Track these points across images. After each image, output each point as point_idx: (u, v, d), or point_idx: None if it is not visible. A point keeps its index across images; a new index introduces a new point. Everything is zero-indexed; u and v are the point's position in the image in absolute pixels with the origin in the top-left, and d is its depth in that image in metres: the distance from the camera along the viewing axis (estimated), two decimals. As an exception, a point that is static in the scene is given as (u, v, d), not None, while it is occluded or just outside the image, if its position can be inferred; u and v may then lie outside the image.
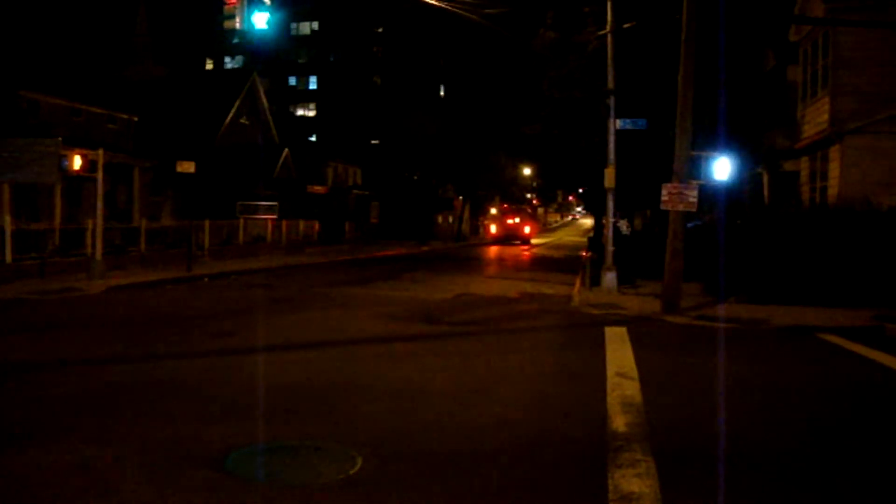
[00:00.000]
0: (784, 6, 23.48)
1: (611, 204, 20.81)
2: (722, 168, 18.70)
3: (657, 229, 26.60)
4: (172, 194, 37.80)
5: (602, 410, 7.47)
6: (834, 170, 19.92)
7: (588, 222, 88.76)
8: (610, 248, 20.38)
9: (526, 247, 54.55)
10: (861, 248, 16.32)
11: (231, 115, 46.97)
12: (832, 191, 19.80)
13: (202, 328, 12.73)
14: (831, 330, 13.35)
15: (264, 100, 51.69)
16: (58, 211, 24.52)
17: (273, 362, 9.74)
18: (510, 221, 61.18)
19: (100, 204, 21.48)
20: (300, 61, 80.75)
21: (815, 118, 21.45)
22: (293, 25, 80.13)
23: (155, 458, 5.78)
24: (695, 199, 15.74)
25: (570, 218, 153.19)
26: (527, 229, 60.75)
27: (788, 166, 24.29)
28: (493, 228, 62.23)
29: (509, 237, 59.51)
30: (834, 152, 19.94)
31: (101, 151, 21.63)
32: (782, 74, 26.05)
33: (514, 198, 75.48)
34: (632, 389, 8.41)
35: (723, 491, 5.39)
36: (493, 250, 50.52)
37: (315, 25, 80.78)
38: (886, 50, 19.64)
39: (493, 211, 64.06)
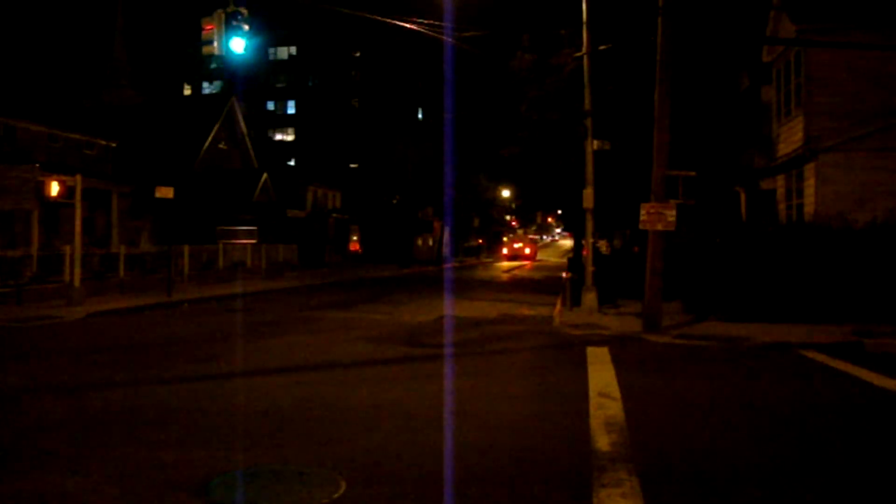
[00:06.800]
0: (756, 28, 23.83)
1: (590, 224, 20.90)
2: (696, 188, 18.81)
3: (637, 249, 26.74)
4: (151, 220, 37.58)
5: (586, 430, 7.47)
6: (809, 187, 20.14)
7: (568, 243, 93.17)
8: (590, 268, 20.43)
9: (528, 263, 71.38)
10: (838, 265, 16.50)
11: (209, 139, 46.83)
12: (808, 208, 20.00)
13: (183, 354, 12.63)
14: (812, 346, 13.45)
15: (243, 124, 51.57)
16: (35, 237, 24.28)
17: (255, 387, 9.68)
18: (516, 245, 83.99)
19: (78, 230, 21.34)
20: (278, 86, 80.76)
21: (790, 137, 21.72)
22: (271, 50, 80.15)
23: (135, 486, 5.71)
24: (673, 219, 15.83)
25: (549, 239, 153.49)
26: (527, 251, 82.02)
27: (765, 185, 24.51)
28: (504, 250, 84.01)
29: (516, 256, 79.59)
30: (809, 170, 20.17)
31: (78, 177, 21.53)
32: (757, 94, 26.37)
33: (493, 220, 79.81)
34: (614, 409, 8.42)
35: (707, 508, 5.40)
36: (474, 273, 50.61)
37: (293, 50, 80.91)
38: (856, 69, 19.96)
39: (505, 238, 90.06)
